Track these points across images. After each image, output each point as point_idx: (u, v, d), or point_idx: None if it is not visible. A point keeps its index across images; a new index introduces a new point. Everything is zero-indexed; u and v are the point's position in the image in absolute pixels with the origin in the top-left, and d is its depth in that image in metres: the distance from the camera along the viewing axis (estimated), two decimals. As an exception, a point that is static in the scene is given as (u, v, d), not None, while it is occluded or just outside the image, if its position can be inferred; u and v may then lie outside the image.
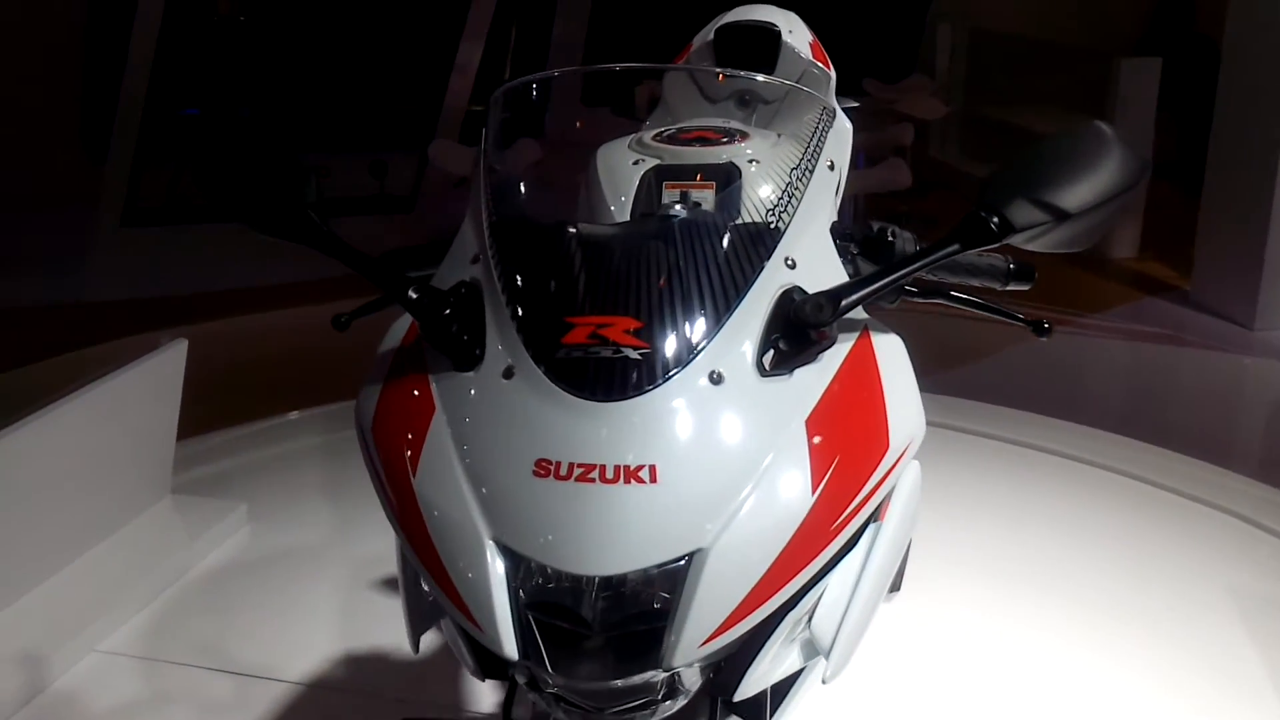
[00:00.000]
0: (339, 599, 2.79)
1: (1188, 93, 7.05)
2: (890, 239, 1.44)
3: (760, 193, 1.39)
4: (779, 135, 1.63)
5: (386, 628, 2.64)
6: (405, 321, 1.35)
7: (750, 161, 1.50)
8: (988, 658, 2.54)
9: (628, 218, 1.54)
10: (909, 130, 6.50)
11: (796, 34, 2.26)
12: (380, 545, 2.99)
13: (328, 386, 3.62)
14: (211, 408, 3.73)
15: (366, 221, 6.35)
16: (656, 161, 1.57)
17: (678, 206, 1.36)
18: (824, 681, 1.27)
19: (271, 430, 3.79)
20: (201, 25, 6.91)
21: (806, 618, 1.24)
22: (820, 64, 2.24)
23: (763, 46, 2.22)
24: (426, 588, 1.21)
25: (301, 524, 3.17)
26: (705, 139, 1.61)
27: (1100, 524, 3.14)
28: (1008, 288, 1.54)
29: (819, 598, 1.23)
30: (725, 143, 1.59)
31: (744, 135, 1.61)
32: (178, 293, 5.43)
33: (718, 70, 2.18)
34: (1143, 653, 2.56)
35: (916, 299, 1.48)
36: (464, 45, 6.37)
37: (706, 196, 1.48)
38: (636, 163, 1.58)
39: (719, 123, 1.74)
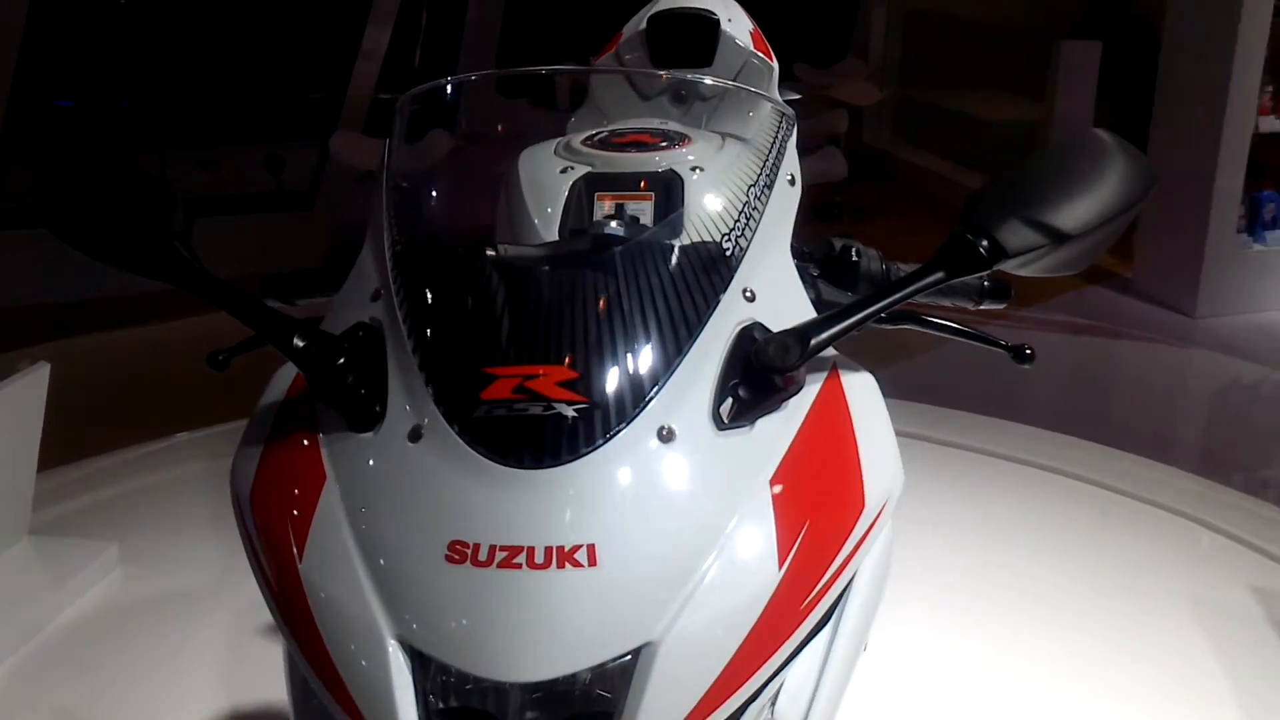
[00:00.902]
0: (224, 650, 2.59)
1: (1126, 76, 7.07)
2: (855, 258, 1.38)
3: (706, 204, 1.27)
4: (724, 137, 1.50)
5: (279, 683, 2.43)
6: (290, 370, 1.19)
7: (694, 169, 1.37)
8: (926, 670, 2.47)
9: (555, 234, 1.39)
10: (843, 117, 6.42)
11: (736, 22, 2.14)
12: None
13: (209, 406, 3.40)
14: (79, 433, 3.51)
15: (262, 220, 6.13)
16: (587, 169, 1.43)
17: (614, 223, 1.23)
18: None
19: (145, 459, 3.55)
20: (77, 4, 6.58)
21: (769, 704, 1.10)
22: (762, 55, 2.13)
23: (700, 36, 2.09)
24: (316, 692, 1.05)
25: (180, 564, 2.96)
26: (641, 143, 1.47)
27: (1038, 526, 3.12)
28: (981, 306, 1.47)
29: (782, 681, 1.09)
30: (664, 147, 1.45)
31: (685, 139, 1.48)
32: (46, 302, 5.15)
33: (659, 72, 2.03)
34: (1082, 654, 2.53)
35: (884, 325, 1.36)
36: (370, 29, 6.16)
37: (644, 209, 1.34)
38: (564, 170, 1.43)
39: (656, 124, 1.62)
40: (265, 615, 2.75)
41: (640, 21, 2.12)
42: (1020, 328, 5.03)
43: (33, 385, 2.80)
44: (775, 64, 2.13)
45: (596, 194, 1.37)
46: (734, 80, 1.93)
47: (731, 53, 2.07)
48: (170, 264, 1.13)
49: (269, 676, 2.47)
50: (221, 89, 6.61)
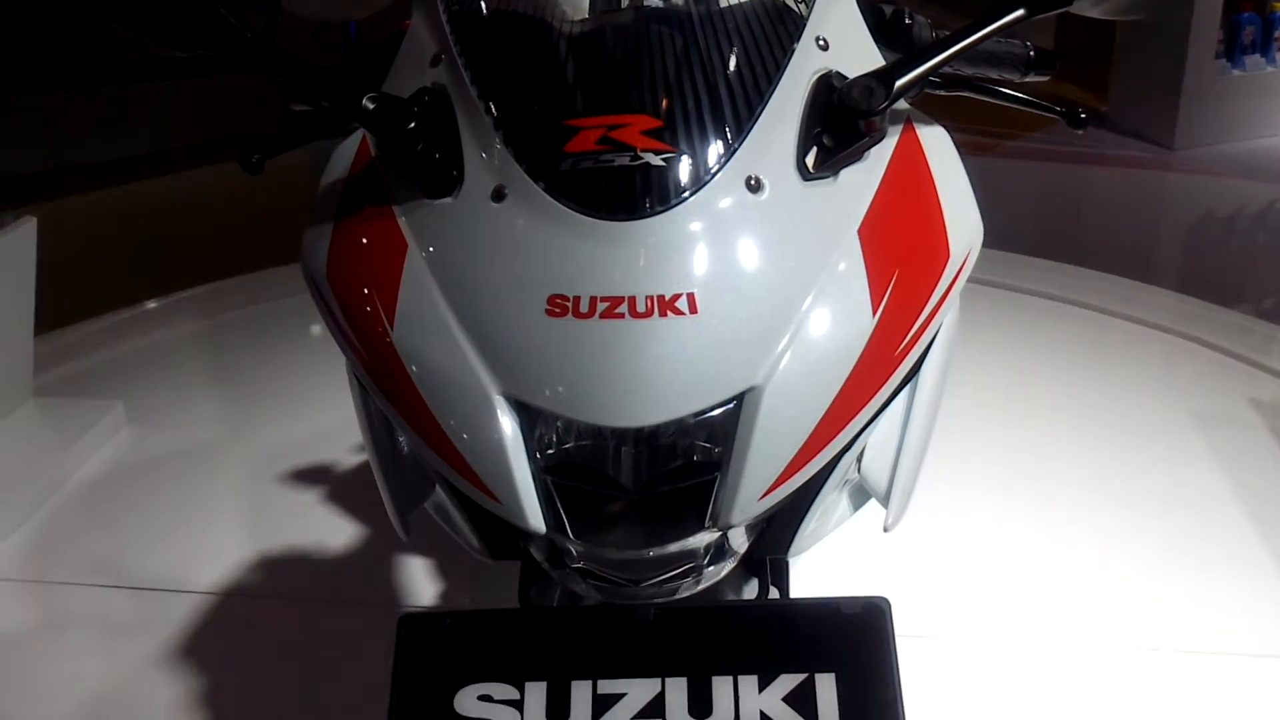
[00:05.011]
0: (243, 499, 2.66)
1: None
2: (907, 22, 1.37)
3: None
4: None
5: (301, 525, 2.54)
6: (351, 145, 1.22)
7: None
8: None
9: (585, 10, 1.36)
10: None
11: None
12: (281, 435, 2.87)
13: (198, 264, 3.40)
14: (72, 295, 3.51)
15: (207, 83, 5.94)
16: None
17: None
18: (885, 530, 1.20)
19: (142, 317, 3.57)
20: None
21: (855, 461, 1.17)
22: None
23: None
24: (422, 458, 1.11)
25: (187, 419, 3.02)
26: None
27: (1034, 347, 3.23)
28: (1027, 78, 1.46)
29: (866, 439, 1.15)
30: None
31: None
32: (16, 171, 5.05)
33: None
34: (1089, 468, 2.64)
35: (940, 90, 1.39)
36: (306, -126, 5.93)
37: None
38: None
39: None
40: (279, 465, 2.80)
41: None
42: (996, 155, 5.11)
43: (21, 240, 2.79)
44: None
45: None
46: None
47: None
48: (218, 33, 1.08)
49: (291, 521, 2.56)
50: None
